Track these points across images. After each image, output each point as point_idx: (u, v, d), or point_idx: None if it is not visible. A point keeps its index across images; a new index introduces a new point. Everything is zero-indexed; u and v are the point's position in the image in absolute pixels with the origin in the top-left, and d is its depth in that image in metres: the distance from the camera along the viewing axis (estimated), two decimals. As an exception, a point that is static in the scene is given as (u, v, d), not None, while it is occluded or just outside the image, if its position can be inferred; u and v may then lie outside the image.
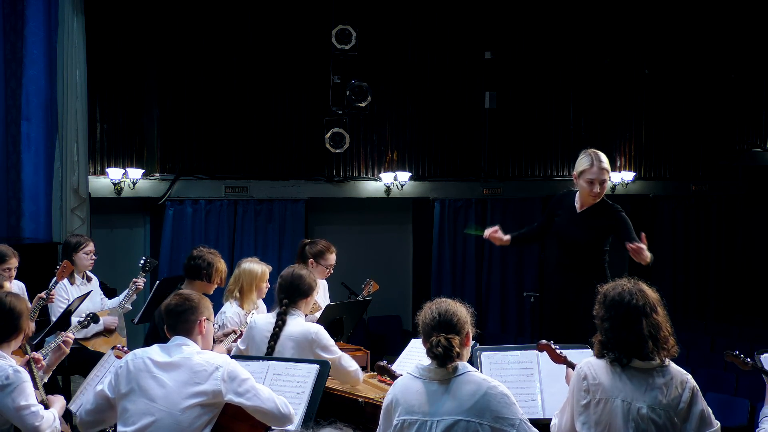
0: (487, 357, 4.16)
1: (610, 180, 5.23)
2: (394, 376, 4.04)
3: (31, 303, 5.82)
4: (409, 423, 3.39)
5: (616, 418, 3.34)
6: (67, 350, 4.32)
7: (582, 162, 5.17)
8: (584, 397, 3.41)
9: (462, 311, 3.50)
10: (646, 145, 12.51)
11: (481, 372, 3.87)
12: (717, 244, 13.05)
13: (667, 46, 12.33)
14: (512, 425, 3.34)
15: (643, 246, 4.84)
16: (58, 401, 4.00)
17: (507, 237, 5.46)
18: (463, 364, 3.45)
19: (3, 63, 8.41)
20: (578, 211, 5.24)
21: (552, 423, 3.65)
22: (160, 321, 5.28)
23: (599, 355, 3.44)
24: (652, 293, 3.47)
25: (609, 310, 3.43)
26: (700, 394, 3.42)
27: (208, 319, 3.94)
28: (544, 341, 3.85)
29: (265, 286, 5.74)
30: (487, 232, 5.46)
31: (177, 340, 3.83)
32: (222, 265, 5.47)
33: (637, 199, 12.55)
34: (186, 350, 3.77)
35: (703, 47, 12.55)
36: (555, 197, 5.52)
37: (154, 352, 3.81)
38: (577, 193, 5.28)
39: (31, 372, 3.93)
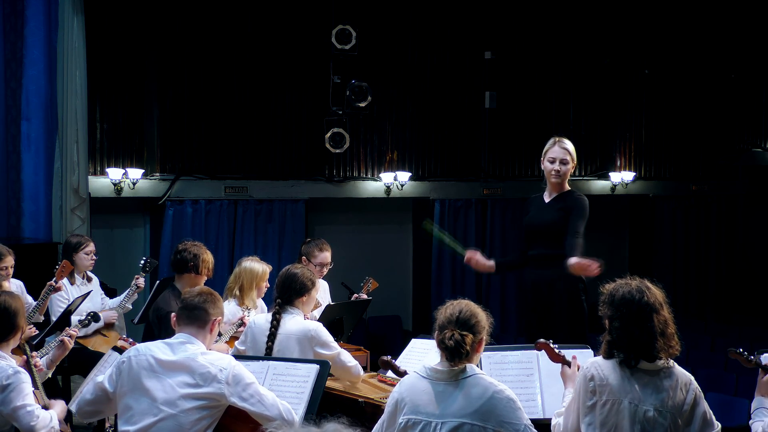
0: (487, 357, 4.15)
1: (573, 165, 5.26)
2: (398, 372, 4.04)
3: (36, 300, 5.84)
4: (413, 422, 3.39)
5: (623, 420, 3.34)
6: (70, 346, 4.35)
7: (546, 145, 5.34)
8: (590, 398, 3.40)
9: (482, 316, 3.50)
10: (646, 145, 12.49)
11: (481, 372, 3.88)
12: (717, 244, 13.03)
13: (667, 46, 12.32)
14: (516, 430, 3.34)
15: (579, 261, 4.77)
16: (59, 405, 4.02)
17: (491, 263, 5.44)
18: (471, 367, 3.45)
19: (3, 63, 8.41)
20: (546, 201, 5.34)
21: (553, 423, 3.64)
22: (155, 320, 5.30)
23: (607, 356, 3.43)
24: (657, 290, 3.48)
25: (619, 309, 3.40)
26: (702, 395, 3.44)
27: (219, 321, 3.94)
28: (542, 340, 3.84)
29: (265, 285, 5.74)
30: (467, 256, 5.41)
31: (181, 336, 3.81)
32: (208, 255, 5.43)
33: (637, 199, 12.55)
34: (191, 349, 3.75)
35: (703, 47, 12.54)
36: (524, 204, 5.60)
37: (158, 349, 3.79)
38: (546, 190, 5.38)
39: (30, 372, 3.94)
